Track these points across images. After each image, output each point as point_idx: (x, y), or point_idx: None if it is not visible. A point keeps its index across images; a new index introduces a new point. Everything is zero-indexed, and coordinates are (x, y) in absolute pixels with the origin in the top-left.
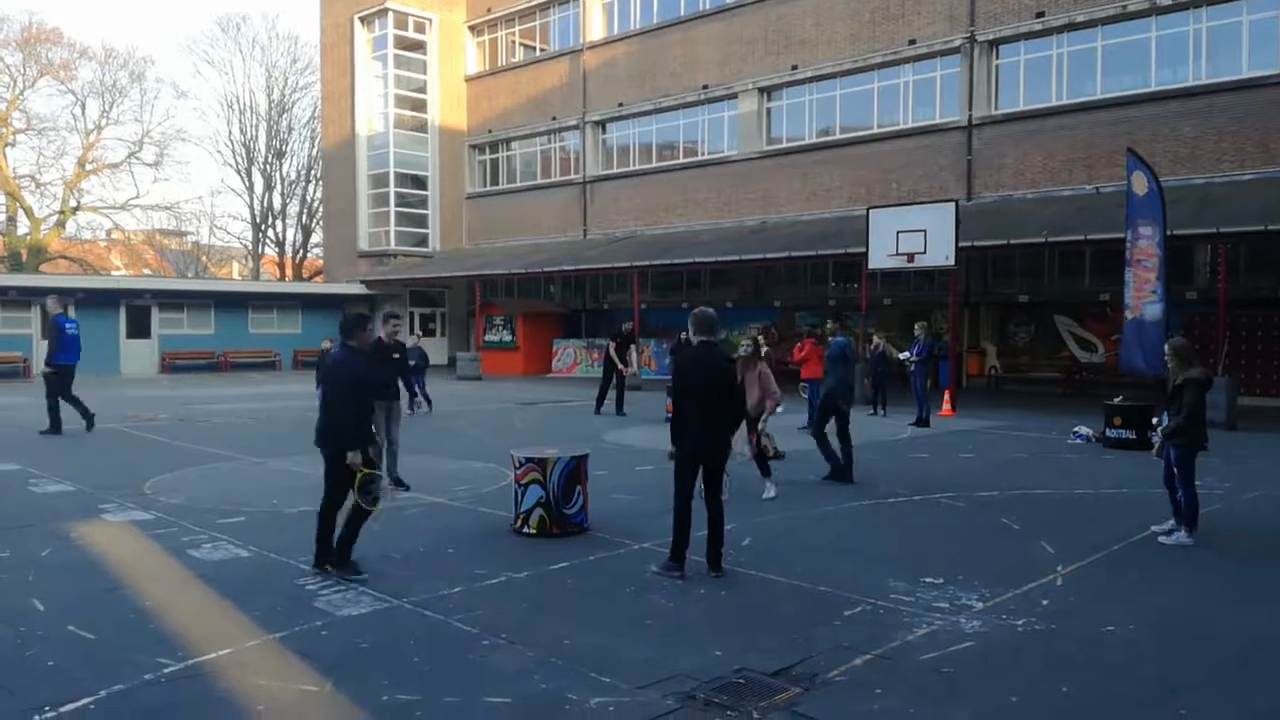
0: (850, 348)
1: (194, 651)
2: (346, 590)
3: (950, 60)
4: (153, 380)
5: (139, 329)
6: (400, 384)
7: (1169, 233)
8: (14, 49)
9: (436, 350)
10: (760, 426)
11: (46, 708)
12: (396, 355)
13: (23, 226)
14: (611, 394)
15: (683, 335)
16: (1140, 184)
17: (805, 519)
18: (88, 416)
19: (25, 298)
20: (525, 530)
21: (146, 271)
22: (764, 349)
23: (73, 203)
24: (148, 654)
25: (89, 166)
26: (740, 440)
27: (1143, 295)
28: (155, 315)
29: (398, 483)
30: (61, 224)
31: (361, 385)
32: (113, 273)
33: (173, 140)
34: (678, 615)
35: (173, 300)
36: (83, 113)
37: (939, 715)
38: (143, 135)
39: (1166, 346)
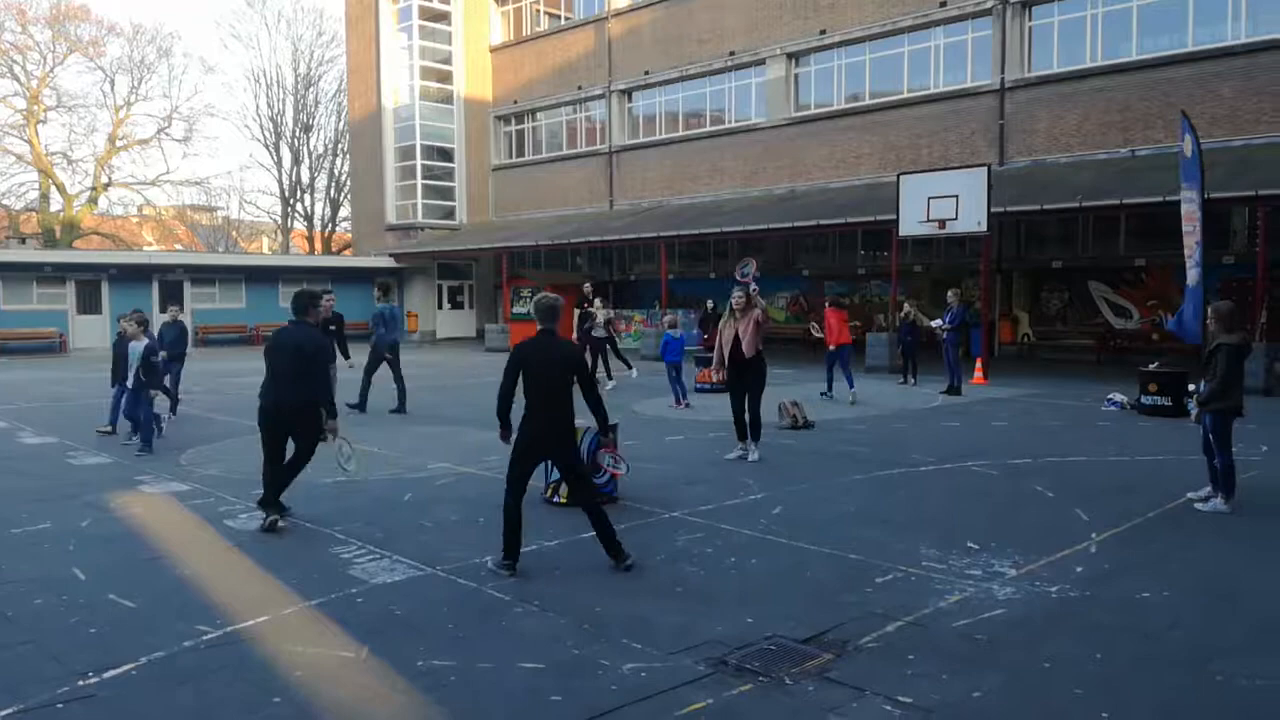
0: (392, 311)
1: (232, 619)
2: (381, 558)
3: (982, 22)
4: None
5: (172, 303)
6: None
7: (1206, 196)
8: (43, 26)
9: (464, 323)
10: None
11: (90, 673)
12: (333, 326)
13: (56, 203)
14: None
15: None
16: (1188, 147)
17: (835, 487)
18: None
19: (60, 274)
20: (556, 500)
21: (178, 247)
22: (756, 297)
23: (104, 179)
24: (187, 621)
25: (119, 143)
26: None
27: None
28: (188, 290)
29: None
30: (94, 200)
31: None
32: (145, 248)
33: (201, 116)
34: (707, 583)
35: (205, 275)
36: (112, 89)
37: (971, 681)
38: (171, 111)
39: (1209, 309)
